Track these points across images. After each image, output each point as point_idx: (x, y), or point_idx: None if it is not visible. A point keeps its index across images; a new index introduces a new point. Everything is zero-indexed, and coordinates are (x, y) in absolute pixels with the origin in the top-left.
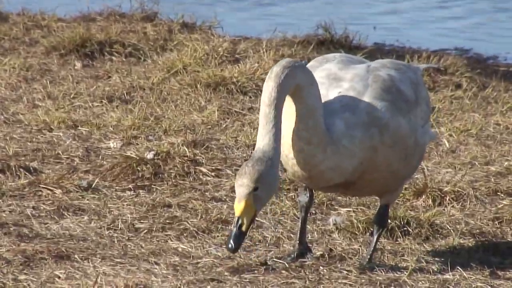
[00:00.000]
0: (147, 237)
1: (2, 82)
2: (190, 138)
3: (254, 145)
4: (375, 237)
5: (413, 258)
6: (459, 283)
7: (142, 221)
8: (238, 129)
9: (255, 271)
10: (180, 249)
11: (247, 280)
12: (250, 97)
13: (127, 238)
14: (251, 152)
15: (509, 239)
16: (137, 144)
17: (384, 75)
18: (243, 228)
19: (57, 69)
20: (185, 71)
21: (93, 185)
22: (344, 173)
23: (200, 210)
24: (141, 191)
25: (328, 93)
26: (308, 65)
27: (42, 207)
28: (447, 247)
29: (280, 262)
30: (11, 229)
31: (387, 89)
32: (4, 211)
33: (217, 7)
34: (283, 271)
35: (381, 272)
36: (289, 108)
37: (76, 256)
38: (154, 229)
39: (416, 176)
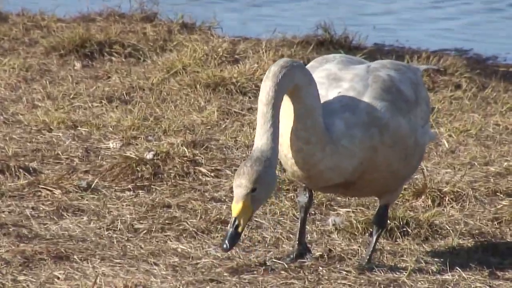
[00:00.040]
0: (146, 237)
1: (1, 82)
2: (189, 139)
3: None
4: (375, 237)
5: (412, 259)
6: (458, 284)
7: (141, 221)
8: (237, 129)
9: (254, 272)
10: (179, 250)
11: (246, 281)
12: (250, 97)
13: (126, 238)
14: (250, 153)
15: (508, 240)
16: (137, 144)
17: (384, 75)
18: (239, 230)
19: (57, 69)
20: (185, 72)
21: (92, 186)
22: (343, 173)
23: (199, 211)
24: (140, 191)
25: (328, 93)
26: (308, 66)
27: (41, 208)
28: (446, 247)
29: (279, 263)
30: (11, 229)
31: (387, 89)
32: (3, 211)
33: (216, 7)
34: (282, 272)
35: (380, 273)
36: (288, 108)
37: (75, 256)
38: (154, 229)
39: (415, 177)
